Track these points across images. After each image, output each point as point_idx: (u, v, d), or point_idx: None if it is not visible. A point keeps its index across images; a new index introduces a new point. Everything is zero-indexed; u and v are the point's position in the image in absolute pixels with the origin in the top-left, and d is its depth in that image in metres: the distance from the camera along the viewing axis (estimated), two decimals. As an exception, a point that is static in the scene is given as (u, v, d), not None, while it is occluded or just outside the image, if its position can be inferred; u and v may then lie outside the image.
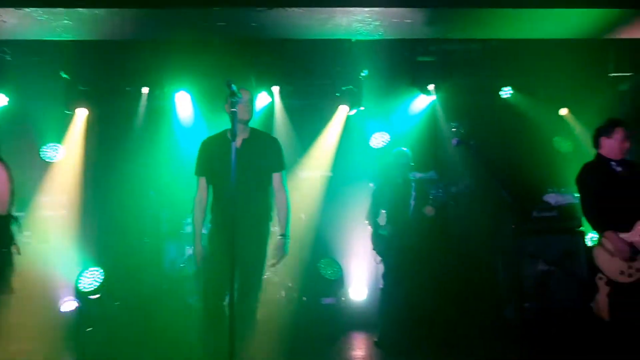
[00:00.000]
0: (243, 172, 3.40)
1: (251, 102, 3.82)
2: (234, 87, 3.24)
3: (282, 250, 3.78)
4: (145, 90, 6.82)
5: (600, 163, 4.20)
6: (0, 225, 3.64)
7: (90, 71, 6.57)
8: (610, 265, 4.04)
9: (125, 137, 6.92)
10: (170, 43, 6.06)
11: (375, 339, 5.40)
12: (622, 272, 4.00)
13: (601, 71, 6.16)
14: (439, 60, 6.38)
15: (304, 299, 6.50)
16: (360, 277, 6.81)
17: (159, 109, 6.97)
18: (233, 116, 3.26)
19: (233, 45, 6.01)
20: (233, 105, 3.25)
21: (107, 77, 6.73)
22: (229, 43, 5.93)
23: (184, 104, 6.92)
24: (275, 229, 3.81)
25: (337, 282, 6.74)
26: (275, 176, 3.83)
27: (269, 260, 3.79)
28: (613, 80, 6.25)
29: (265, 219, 3.81)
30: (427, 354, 5.02)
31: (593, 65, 6.22)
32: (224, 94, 3.44)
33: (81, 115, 6.90)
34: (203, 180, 3.82)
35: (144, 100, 6.89)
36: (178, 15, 4.81)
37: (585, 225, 6.08)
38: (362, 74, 6.70)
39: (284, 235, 3.80)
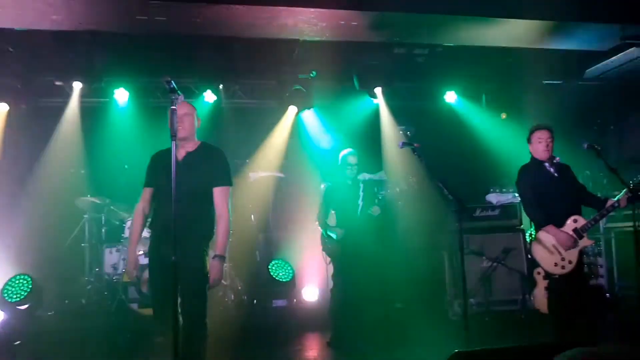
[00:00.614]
0: (183, 186, 3.23)
1: (187, 116, 3.53)
2: (174, 84, 3.09)
3: (218, 272, 3.45)
4: (77, 85, 6.48)
5: (533, 164, 4.54)
6: None
7: (14, 63, 6.13)
8: (546, 259, 4.35)
9: (56, 135, 6.56)
10: (106, 36, 5.69)
11: (328, 340, 5.40)
12: (556, 264, 4.32)
13: (535, 78, 6.52)
14: (385, 64, 6.49)
15: (255, 301, 6.45)
16: (312, 279, 6.82)
17: (94, 106, 6.70)
18: (172, 114, 3.09)
19: (175, 42, 5.82)
20: (173, 102, 3.11)
21: (35, 70, 6.35)
22: (171, 39, 5.71)
23: (122, 100, 6.68)
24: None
25: (288, 284, 6.69)
26: (216, 191, 3.53)
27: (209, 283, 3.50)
28: (545, 87, 6.64)
29: (203, 234, 3.55)
30: (378, 352, 5.09)
31: (528, 73, 6.58)
32: (165, 91, 3.33)
33: (1, 110, 6.41)
34: (147, 191, 3.65)
35: (76, 96, 6.56)
36: (116, 7, 4.63)
37: (525, 223, 6.44)
38: (311, 75, 6.75)
39: (218, 256, 3.46)
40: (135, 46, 5.93)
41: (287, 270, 6.77)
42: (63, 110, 6.61)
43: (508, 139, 7.39)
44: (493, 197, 6.72)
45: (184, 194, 3.25)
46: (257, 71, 6.80)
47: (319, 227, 5.47)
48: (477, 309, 6.13)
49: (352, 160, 5.43)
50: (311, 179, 6.81)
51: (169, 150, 3.40)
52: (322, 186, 5.62)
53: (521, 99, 7.06)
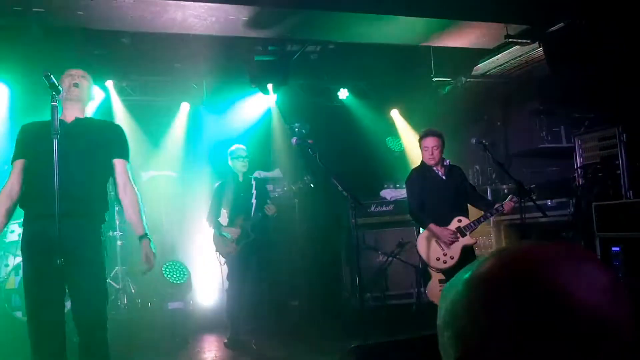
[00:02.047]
0: (71, 155, 2.92)
1: (84, 78, 3.28)
2: (54, 79, 2.89)
3: (150, 251, 3.12)
4: None
5: (422, 168, 4.72)
6: None
7: None
8: (429, 254, 4.55)
9: None
10: None
11: (225, 340, 5.32)
12: (438, 259, 4.52)
13: (425, 75, 6.73)
14: (278, 61, 6.43)
15: (149, 304, 6.22)
16: (208, 280, 6.67)
17: None
18: (53, 111, 2.87)
19: (57, 35, 5.46)
20: (53, 98, 2.90)
21: None
22: (53, 31, 5.36)
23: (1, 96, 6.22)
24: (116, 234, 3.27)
25: (183, 286, 6.51)
26: (118, 163, 3.14)
27: (141, 267, 3.18)
28: (435, 85, 6.87)
29: (98, 216, 3.13)
30: (276, 349, 5.08)
31: (418, 70, 6.78)
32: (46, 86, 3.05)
33: None
34: (19, 164, 3.11)
35: None
36: None
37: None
38: (202, 71, 6.55)
39: (145, 235, 3.15)
40: (12, 39, 5.48)
41: (181, 272, 6.58)
42: None
43: (400, 135, 7.64)
44: (387, 193, 6.87)
45: (72, 163, 2.92)
46: (147, 67, 6.50)
47: (210, 227, 5.31)
48: (373, 303, 6.22)
49: (241, 155, 5.30)
50: (205, 178, 6.67)
51: (46, 122, 3.00)
52: (216, 185, 5.45)
53: (412, 96, 7.26)
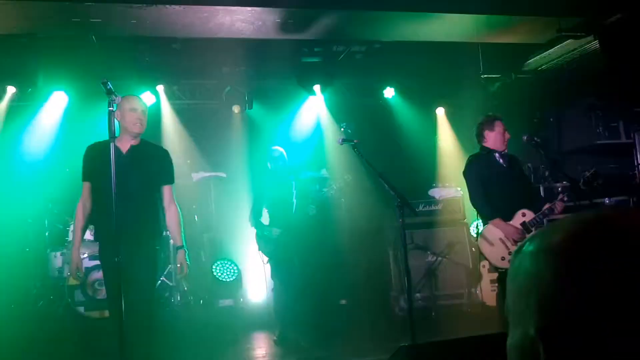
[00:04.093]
0: (129, 181, 3.28)
1: (144, 113, 3.61)
2: (110, 85, 3.11)
3: (185, 262, 3.67)
4: (11, 89, 6.32)
5: (485, 154, 4.43)
6: None
7: None
8: (492, 253, 4.25)
9: None
10: (43, 39, 5.62)
11: (275, 338, 5.37)
12: (503, 259, 4.21)
13: (474, 73, 6.59)
14: (324, 62, 6.48)
15: (201, 302, 6.38)
16: (258, 278, 6.76)
17: (30, 110, 6.54)
18: (110, 116, 3.14)
19: (113, 43, 5.74)
20: (110, 104, 3.13)
21: None
22: (108, 40, 5.65)
23: (59, 104, 6.53)
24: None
25: (233, 284, 6.65)
26: (166, 189, 3.68)
27: (177, 275, 3.73)
28: (484, 81, 6.72)
29: (153, 231, 3.64)
30: (325, 348, 5.09)
31: (466, 67, 6.65)
32: (103, 93, 3.26)
33: None
34: (87, 185, 3.60)
35: (7, 100, 6.41)
36: (51, 9, 4.54)
37: (468, 217, 6.51)
38: (250, 74, 6.69)
39: (182, 247, 3.70)
40: (71, 49, 5.85)
41: (231, 270, 6.73)
42: (0, 113, 6.50)
43: (449, 134, 7.50)
44: (436, 192, 6.77)
45: (131, 189, 3.29)
46: (197, 71, 6.72)
47: (253, 227, 5.40)
48: (423, 303, 6.15)
49: (282, 157, 5.36)
50: (253, 178, 6.73)
51: (107, 143, 3.37)
52: (257, 185, 5.55)
53: (459, 94, 7.13)
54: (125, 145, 3.52)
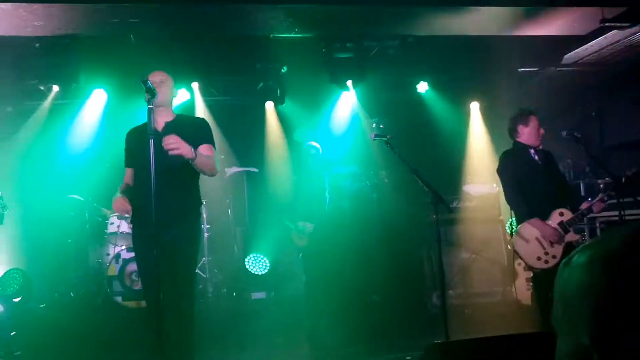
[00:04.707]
0: (165, 159, 3.16)
1: (162, 83, 3.45)
2: (150, 84, 3.15)
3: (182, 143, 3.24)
4: (55, 88, 6.56)
5: (519, 150, 4.31)
6: None
7: (1, 68, 6.31)
8: (528, 252, 4.12)
9: (40, 137, 6.72)
10: (84, 39, 5.83)
11: (306, 333, 5.39)
12: (539, 259, 4.09)
13: (510, 66, 6.44)
14: (356, 57, 6.41)
15: (234, 294, 6.48)
16: (289, 272, 6.81)
17: (74, 107, 6.80)
18: (150, 113, 3.16)
19: (149, 42, 5.88)
20: (150, 102, 3.16)
21: (19, 75, 6.51)
22: (145, 39, 5.80)
23: (99, 102, 6.76)
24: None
25: (265, 277, 6.75)
26: (202, 148, 3.40)
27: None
28: (521, 75, 6.55)
29: (193, 210, 3.49)
30: (356, 344, 5.09)
31: (503, 61, 6.49)
32: (141, 91, 3.30)
33: None
34: (129, 171, 3.59)
35: (51, 98, 6.67)
36: (89, 10, 4.71)
37: (504, 214, 6.38)
38: (282, 70, 6.72)
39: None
40: (110, 48, 6.04)
41: (263, 264, 6.83)
42: (45, 111, 6.80)
43: (484, 129, 7.36)
44: (470, 188, 6.66)
45: (169, 165, 3.21)
46: (230, 68, 6.81)
47: (287, 222, 5.44)
48: (456, 301, 6.07)
49: (316, 152, 5.38)
50: (285, 173, 6.84)
51: (142, 127, 3.46)
52: (290, 180, 5.60)
53: (495, 88, 6.98)
54: (160, 124, 3.44)
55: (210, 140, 3.54)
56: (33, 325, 5.64)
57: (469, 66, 6.68)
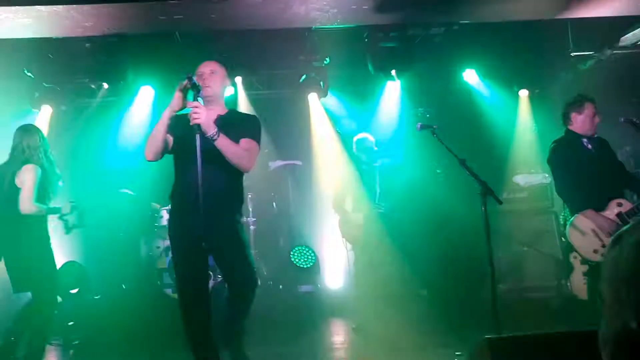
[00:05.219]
0: (211, 155, 3.09)
1: (212, 73, 3.37)
2: (195, 80, 3.11)
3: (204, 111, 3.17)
4: (105, 86, 6.83)
5: (571, 139, 4.15)
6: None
7: (54, 69, 6.59)
8: (584, 244, 3.99)
9: (92, 133, 6.97)
10: (131, 38, 5.98)
11: (354, 325, 5.39)
12: (595, 251, 3.95)
13: (562, 51, 6.17)
14: (401, 46, 6.29)
15: (281, 287, 6.54)
16: (336, 264, 6.83)
17: (120, 105, 7.02)
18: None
19: (193, 38, 5.97)
20: (195, 98, 3.12)
21: (71, 75, 6.75)
22: (189, 36, 5.89)
23: (147, 98, 6.95)
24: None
25: (312, 270, 6.75)
26: (243, 141, 3.27)
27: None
28: (574, 60, 6.27)
29: (235, 206, 3.40)
30: (404, 338, 5.03)
31: (554, 46, 6.23)
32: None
33: (46, 112, 6.86)
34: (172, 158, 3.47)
35: (101, 96, 6.93)
36: (135, 9, 4.78)
37: (556, 205, 6.15)
38: (325, 62, 6.68)
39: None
40: (157, 45, 6.20)
41: (309, 257, 6.84)
42: (97, 110, 7.10)
43: (534, 117, 7.10)
44: (521, 179, 6.46)
45: (213, 162, 3.12)
46: (273, 62, 6.83)
47: (336, 214, 5.43)
48: (507, 295, 5.91)
49: (366, 144, 5.35)
50: (329, 166, 6.80)
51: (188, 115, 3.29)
52: (341, 173, 5.58)
53: (546, 74, 6.70)
54: (212, 116, 3.30)
55: (252, 136, 3.35)
56: (89, 316, 5.90)
57: (517, 52, 6.45)
